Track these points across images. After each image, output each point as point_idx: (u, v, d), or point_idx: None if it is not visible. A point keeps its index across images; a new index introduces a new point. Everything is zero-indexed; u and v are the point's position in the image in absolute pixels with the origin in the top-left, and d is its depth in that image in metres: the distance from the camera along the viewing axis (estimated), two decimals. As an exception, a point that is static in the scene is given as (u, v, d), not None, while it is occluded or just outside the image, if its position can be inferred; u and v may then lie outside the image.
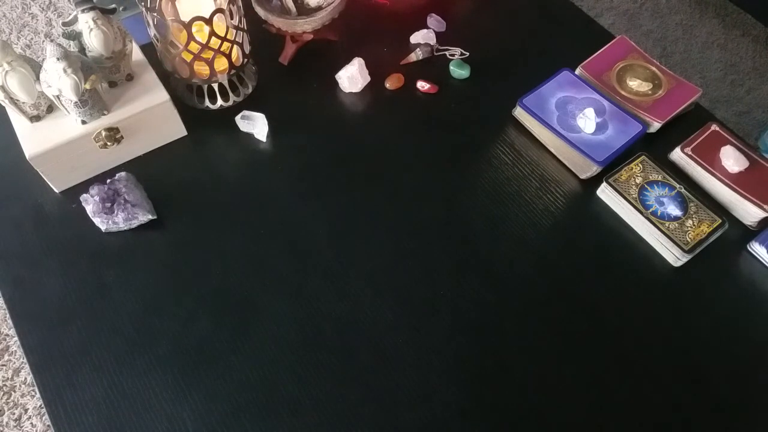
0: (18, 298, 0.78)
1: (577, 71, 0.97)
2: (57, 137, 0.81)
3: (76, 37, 0.81)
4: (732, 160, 0.86)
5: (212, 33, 0.81)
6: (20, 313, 0.77)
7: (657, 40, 1.77)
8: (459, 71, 0.99)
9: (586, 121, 0.88)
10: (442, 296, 0.78)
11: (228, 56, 0.86)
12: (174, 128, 0.90)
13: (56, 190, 0.86)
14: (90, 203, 0.82)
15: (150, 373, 0.73)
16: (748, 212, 0.84)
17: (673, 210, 0.83)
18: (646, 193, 0.84)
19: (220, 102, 0.93)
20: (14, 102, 0.79)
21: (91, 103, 0.80)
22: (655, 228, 0.81)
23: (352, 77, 0.95)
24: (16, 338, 1.28)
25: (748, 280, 0.81)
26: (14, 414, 1.23)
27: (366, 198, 0.87)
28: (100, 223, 0.81)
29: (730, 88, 1.68)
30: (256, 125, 0.91)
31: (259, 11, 0.93)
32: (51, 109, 0.83)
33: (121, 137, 0.85)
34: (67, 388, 0.72)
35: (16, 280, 0.79)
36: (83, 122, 0.82)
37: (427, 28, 1.05)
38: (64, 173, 0.85)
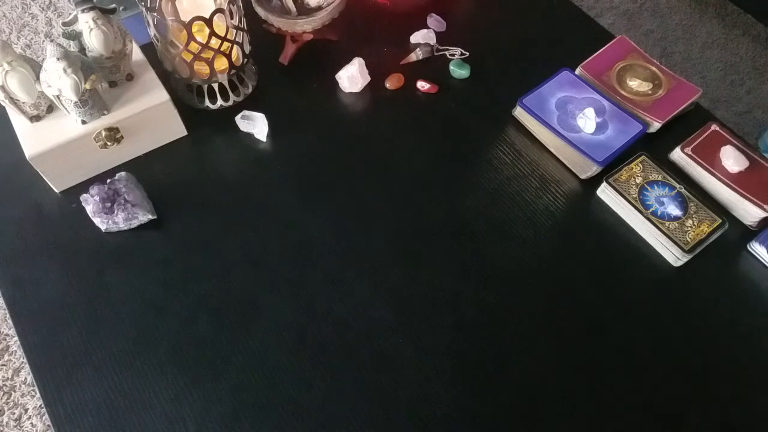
0: (18, 298, 0.78)
1: (577, 71, 0.97)
2: (57, 137, 0.81)
3: (76, 37, 0.81)
4: (732, 160, 0.86)
5: (212, 33, 0.81)
6: (20, 313, 0.77)
7: (657, 40, 1.77)
8: (459, 71, 0.99)
9: (586, 121, 0.88)
10: (442, 296, 0.78)
11: (228, 56, 0.86)
12: (174, 128, 0.90)
13: (56, 190, 0.86)
14: (90, 203, 0.82)
15: (150, 373, 0.73)
16: (748, 212, 0.84)
17: (673, 210, 0.83)
18: (646, 193, 0.84)
19: (220, 102, 0.93)
20: (14, 102, 0.79)
21: (91, 103, 0.80)
22: (655, 228, 0.81)
23: (352, 77, 0.95)
24: (16, 338, 1.29)
25: (748, 280, 0.81)
26: (14, 414, 1.23)
27: (366, 198, 0.87)
28: (100, 223, 0.82)
29: (730, 88, 1.67)
30: (256, 125, 0.91)
31: (259, 11, 0.93)
32: (51, 109, 0.83)
33: (121, 137, 0.85)
34: (67, 388, 0.72)
35: (16, 280, 0.79)
36: (83, 122, 0.82)
37: (427, 28, 1.05)
38: (64, 173, 0.85)
